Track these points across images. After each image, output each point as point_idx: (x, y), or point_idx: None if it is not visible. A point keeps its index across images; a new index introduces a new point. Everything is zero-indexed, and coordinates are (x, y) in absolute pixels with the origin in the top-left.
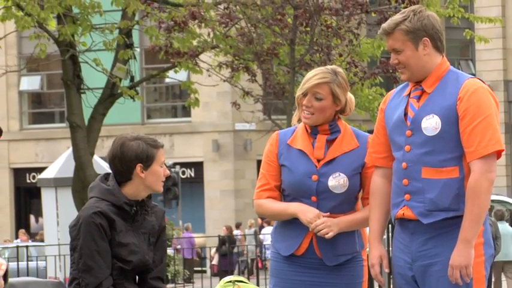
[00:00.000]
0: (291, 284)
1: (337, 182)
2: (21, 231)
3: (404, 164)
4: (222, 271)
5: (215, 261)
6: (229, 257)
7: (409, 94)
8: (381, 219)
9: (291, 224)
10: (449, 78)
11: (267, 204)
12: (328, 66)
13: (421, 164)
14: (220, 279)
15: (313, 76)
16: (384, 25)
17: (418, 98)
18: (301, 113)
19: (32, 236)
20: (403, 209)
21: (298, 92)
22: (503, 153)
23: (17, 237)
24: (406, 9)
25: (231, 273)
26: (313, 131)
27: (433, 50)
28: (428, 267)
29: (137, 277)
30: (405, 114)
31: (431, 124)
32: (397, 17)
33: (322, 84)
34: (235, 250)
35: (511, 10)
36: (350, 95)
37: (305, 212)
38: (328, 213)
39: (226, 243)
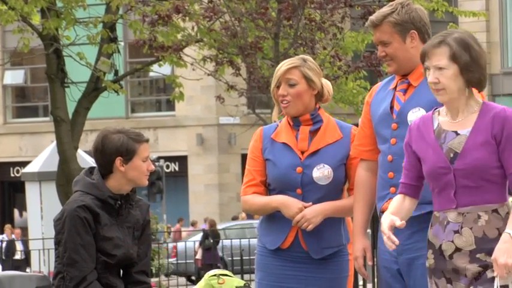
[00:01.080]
0: (276, 277)
1: (321, 173)
2: (8, 226)
3: (390, 157)
4: (206, 265)
5: (199, 256)
6: (212, 250)
7: (395, 87)
8: (365, 212)
9: (276, 217)
10: None
11: (252, 200)
12: (297, 56)
13: None
14: (204, 273)
15: (282, 65)
16: (372, 17)
17: (405, 91)
18: (280, 104)
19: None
20: (388, 202)
21: (272, 85)
22: None
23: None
24: (393, 2)
25: (216, 267)
26: (295, 123)
27: (420, 43)
28: (413, 260)
29: (122, 271)
30: (391, 107)
31: (417, 117)
32: (385, 9)
33: (292, 69)
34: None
35: (494, 3)
36: (325, 80)
37: (288, 206)
38: (311, 203)
39: (209, 237)
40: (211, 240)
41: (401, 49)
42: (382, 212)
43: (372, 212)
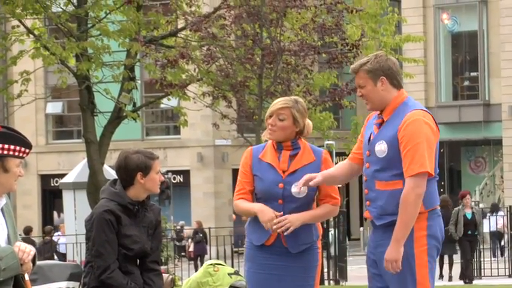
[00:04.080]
0: (261, 266)
1: (298, 189)
2: (62, 225)
3: (365, 178)
4: (196, 255)
5: (191, 248)
6: (201, 244)
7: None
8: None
9: None
10: (401, 110)
11: (240, 204)
12: (292, 97)
13: (374, 178)
14: (194, 262)
15: (278, 102)
16: (352, 66)
17: (379, 125)
18: (267, 130)
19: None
20: (366, 212)
21: (266, 114)
22: None
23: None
24: (370, 54)
25: (203, 257)
26: (278, 147)
27: (389, 86)
28: (382, 253)
29: (138, 261)
30: (369, 138)
31: (381, 148)
32: (363, 60)
33: (285, 108)
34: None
35: (430, 53)
36: (308, 121)
37: (263, 213)
38: (281, 213)
39: (198, 233)
40: (201, 235)
41: (373, 91)
42: (365, 219)
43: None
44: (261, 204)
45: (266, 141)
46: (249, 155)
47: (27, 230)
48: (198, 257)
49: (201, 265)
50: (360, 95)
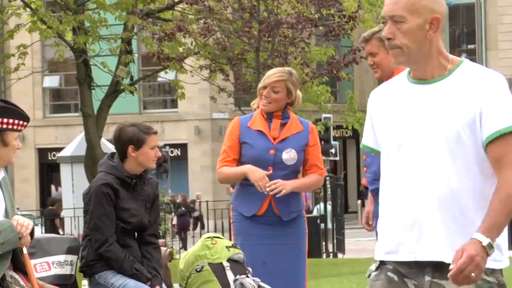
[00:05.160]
0: (256, 237)
1: (289, 155)
2: None
3: (364, 157)
4: (179, 229)
5: (174, 221)
6: (184, 217)
7: None
8: None
9: (251, 191)
10: None
11: (225, 170)
12: (285, 68)
13: None
14: (178, 235)
15: (273, 74)
16: (364, 34)
17: None
18: (261, 101)
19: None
20: (363, 178)
21: (260, 85)
22: None
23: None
24: (381, 24)
25: (186, 230)
26: (269, 116)
27: None
28: None
29: (136, 234)
30: None
31: None
32: (374, 28)
33: (280, 81)
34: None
35: None
36: (299, 92)
37: (253, 172)
38: (271, 171)
39: (181, 207)
40: (183, 209)
41: (386, 59)
42: (365, 187)
43: None
44: (249, 165)
45: (255, 110)
46: (237, 124)
47: (52, 202)
48: (181, 230)
49: (185, 238)
50: (371, 63)
